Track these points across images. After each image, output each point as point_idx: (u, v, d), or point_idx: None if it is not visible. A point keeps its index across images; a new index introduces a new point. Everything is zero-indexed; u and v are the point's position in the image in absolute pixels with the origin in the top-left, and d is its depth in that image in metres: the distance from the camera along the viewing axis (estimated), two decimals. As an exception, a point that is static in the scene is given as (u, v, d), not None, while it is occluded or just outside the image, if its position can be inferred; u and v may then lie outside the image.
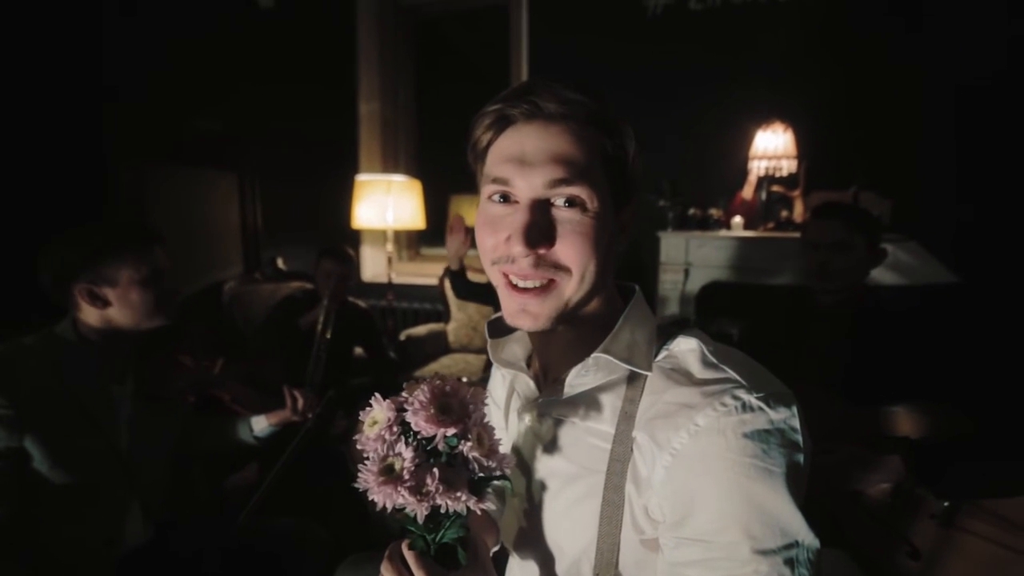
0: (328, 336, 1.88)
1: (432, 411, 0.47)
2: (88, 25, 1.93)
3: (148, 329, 1.06)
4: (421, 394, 0.48)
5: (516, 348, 0.67)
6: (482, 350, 3.00)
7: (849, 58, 2.32)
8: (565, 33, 2.83)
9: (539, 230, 0.50)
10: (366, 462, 0.48)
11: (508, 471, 0.51)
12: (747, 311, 1.70)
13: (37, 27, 1.82)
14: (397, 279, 2.98)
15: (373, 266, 3.45)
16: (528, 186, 0.51)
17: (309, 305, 2.01)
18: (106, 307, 1.00)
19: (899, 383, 1.12)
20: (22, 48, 1.77)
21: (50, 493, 0.94)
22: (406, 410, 0.48)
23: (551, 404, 0.59)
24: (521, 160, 0.51)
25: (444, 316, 3.08)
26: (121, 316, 1.02)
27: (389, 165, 3.43)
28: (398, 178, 2.75)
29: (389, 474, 0.46)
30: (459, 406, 0.49)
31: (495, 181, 0.53)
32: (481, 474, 0.48)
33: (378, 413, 0.50)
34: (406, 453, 0.46)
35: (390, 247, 2.86)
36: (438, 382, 0.51)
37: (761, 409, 0.46)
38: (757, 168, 2.45)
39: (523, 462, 0.63)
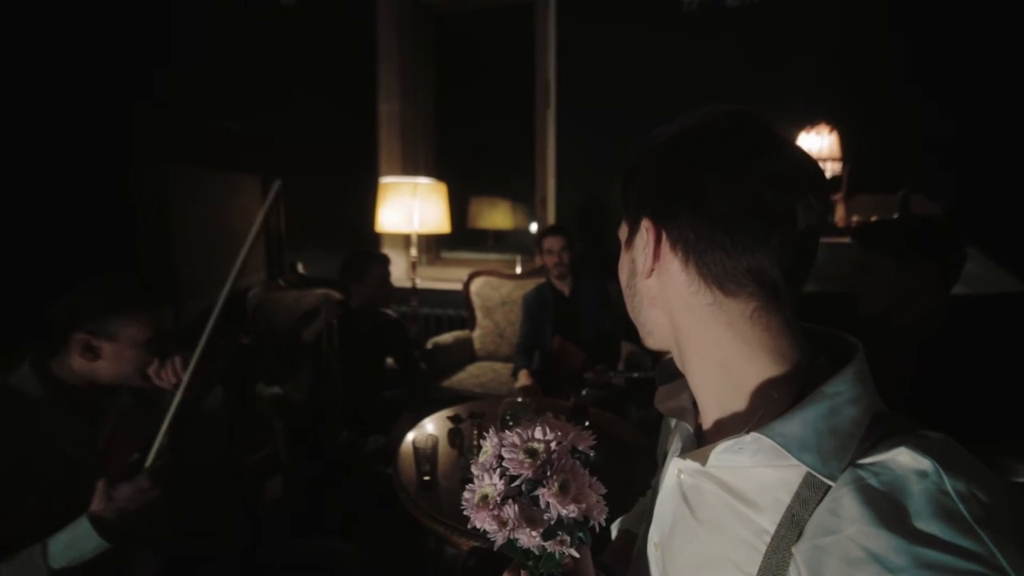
0: (335, 346, 1.84)
1: (520, 452, 0.51)
2: (110, 24, 1.84)
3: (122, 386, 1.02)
4: (517, 435, 0.53)
5: (684, 392, 0.57)
6: (508, 359, 2.90)
7: (894, 54, 2.24)
8: (594, 30, 2.75)
9: None
10: (472, 484, 0.53)
11: (599, 522, 0.51)
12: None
13: (60, 26, 1.72)
14: (419, 284, 2.89)
15: (394, 271, 3.34)
16: None
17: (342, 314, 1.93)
18: (95, 359, 0.97)
19: (986, 417, 1.02)
20: (43, 48, 1.68)
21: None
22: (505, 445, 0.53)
23: (699, 467, 0.48)
24: None
25: (468, 323, 2.99)
26: (107, 371, 0.98)
27: (409, 167, 3.34)
28: (423, 180, 2.66)
29: (483, 500, 0.51)
30: (546, 452, 0.51)
31: None
32: (560, 519, 0.50)
33: (488, 444, 0.55)
34: (497, 484, 0.51)
35: (415, 252, 2.76)
36: (542, 424, 0.53)
37: None
38: (799, 170, 2.37)
39: (667, 515, 0.54)
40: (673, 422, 0.64)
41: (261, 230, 0.92)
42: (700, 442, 0.53)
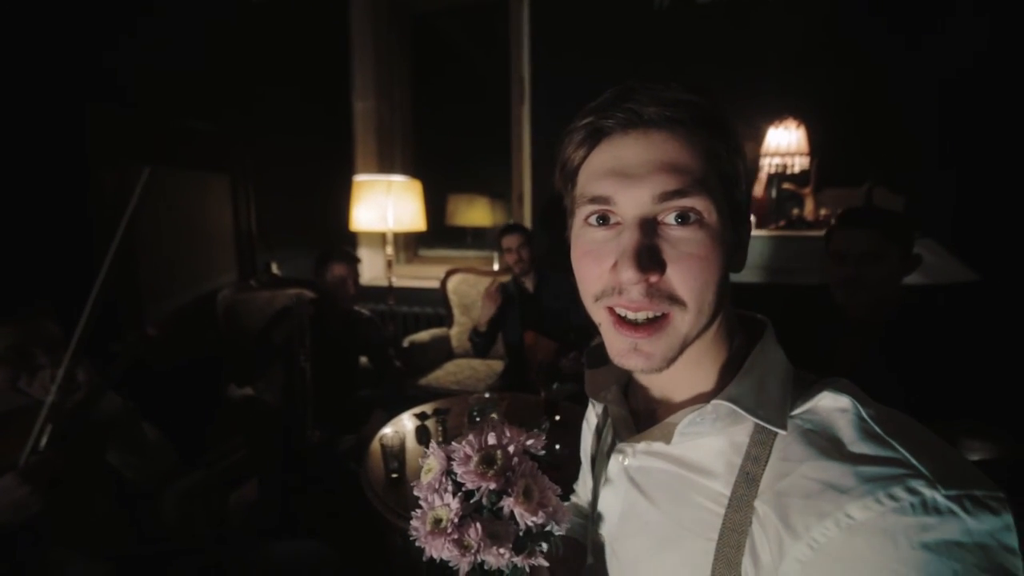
0: (306, 346, 1.83)
1: (475, 463, 0.47)
2: (72, 23, 1.80)
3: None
4: (467, 444, 0.48)
5: (612, 379, 0.59)
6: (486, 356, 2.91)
7: (862, 51, 2.28)
8: (568, 28, 2.75)
9: (649, 253, 0.42)
10: (419, 510, 0.48)
11: (563, 526, 0.48)
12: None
13: (18, 25, 1.68)
14: (396, 282, 2.88)
15: (371, 269, 3.33)
16: (633, 202, 0.43)
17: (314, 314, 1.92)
18: None
19: (941, 399, 1.05)
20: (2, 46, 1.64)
21: None
22: (454, 460, 0.48)
23: (653, 448, 0.50)
24: (622, 173, 0.43)
25: (446, 320, 2.99)
26: None
27: (385, 164, 3.32)
28: (398, 178, 2.64)
29: (436, 525, 0.46)
30: (504, 457, 0.47)
31: (592, 200, 0.45)
32: (528, 528, 0.46)
33: (432, 461, 0.50)
34: (453, 504, 0.46)
35: (390, 250, 2.75)
36: (491, 430, 0.49)
37: (952, 512, 0.34)
38: (768, 165, 2.41)
39: (613, 507, 0.55)
40: (602, 411, 0.64)
41: (130, 223, 0.86)
42: (639, 426, 0.54)
